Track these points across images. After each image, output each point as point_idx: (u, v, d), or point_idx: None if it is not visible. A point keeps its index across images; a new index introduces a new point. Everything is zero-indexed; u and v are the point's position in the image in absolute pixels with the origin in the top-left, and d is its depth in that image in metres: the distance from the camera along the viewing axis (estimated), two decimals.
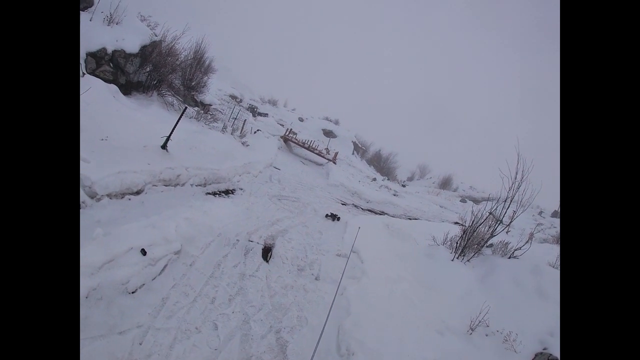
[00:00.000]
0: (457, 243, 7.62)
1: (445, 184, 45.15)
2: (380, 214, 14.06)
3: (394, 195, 21.47)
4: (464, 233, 7.63)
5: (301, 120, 40.18)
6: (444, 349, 4.67)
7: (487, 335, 5.08)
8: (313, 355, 3.54)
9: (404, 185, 33.00)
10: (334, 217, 9.61)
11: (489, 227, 7.63)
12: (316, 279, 6.18)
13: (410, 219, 14.71)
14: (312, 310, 5.28)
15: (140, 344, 3.66)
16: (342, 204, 13.65)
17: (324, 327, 4.07)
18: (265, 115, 32.01)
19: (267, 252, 6.49)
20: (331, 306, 4.81)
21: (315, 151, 23.88)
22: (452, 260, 7.23)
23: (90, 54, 8.98)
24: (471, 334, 5.09)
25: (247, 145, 14.43)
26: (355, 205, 14.51)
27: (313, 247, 7.54)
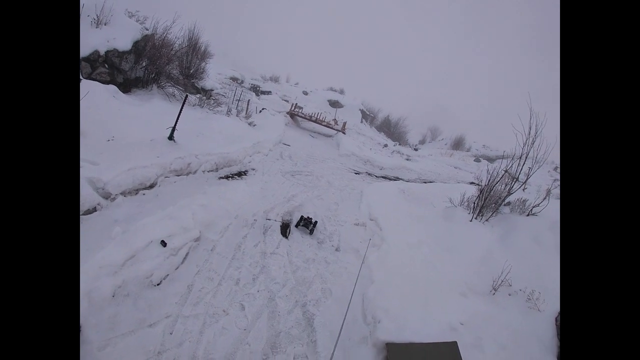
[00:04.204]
0: (474, 203, 7.56)
1: (458, 144, 44.56)
2: (395, 180, 14.01)
3: (407, 159, 21.31)
4: (480, 193, 7.55)
5: (305, 93, 39.71)
6: (468, 311, 4.68)
7: (510, 295, 5.07)
8: (341, 330, 3.60)
9: (416, 149, 32.67)
10: (307, 222, 6.88)
11: (506, 186, 7.52)
12: (336, 250, 6.26)
13: (425, 182, 14.64)
14: (335, 281, 5.36)
15: (171, 334, 3.77)
16: (356, 173, 13.63)
17: (350, 300, 4.12)
18: (269, 93, 31.76)
19: (285, 228, 6.58)
20: (356, 279, 4.86)
21: (323, 123, 23.59)
22: (471, 221, 7.18)
23: (83, 59, 8.95)
24: (494, 294, 5.09)
25: (254, 125, 14.39)
26: (369, 173, 14.47)
27: (330, 218, 7.60)
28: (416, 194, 9.78)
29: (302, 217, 6.96)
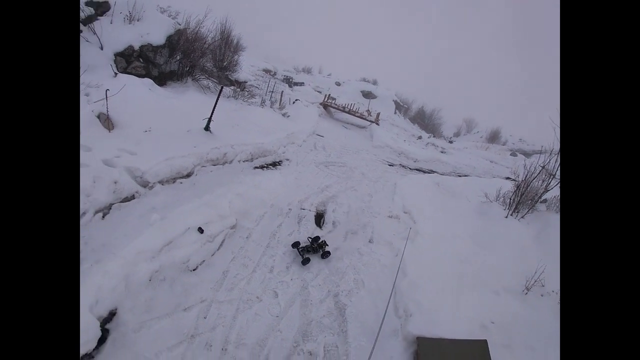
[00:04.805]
0: (510, 199, 7.30)
1: (494, 137, 43.06)
2: (429, 173, 13.70)
3: (442, 152, 20.82)
4: (517, 188, 7.28)
5: (338, 84, 39.40)
6: (499, 310, 4.56)
7: (542, 296, 4.89)
8: (380, 327, 3.58)
9: (450, 142, 31.81)
10: (312, 247, 5.48)
11: (543, 182, 7.22)
12: (370, 241, 6.21)
13: (460, 176, 14.25)
14: (368, 272, 5.34)
15: (205, 318, 3.90)
16: (389, 165, 13.45)
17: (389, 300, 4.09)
18: (302, 84, 31.74)
19: (319, 218, 6.64)
20: (397, 274, 4.82)
21: (357, 114, 23.29)
22: (506, 217, 6.96)
23: (118, 54, 9.27)
24: (526, 293, 4.92)
25: (287, 116, 14.45)
26: (403, 165, 14.24)
27: (364, 210, 7.54)
28: (451, 188, 9.52)
29: (317, 238, 5.70)
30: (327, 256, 5.41)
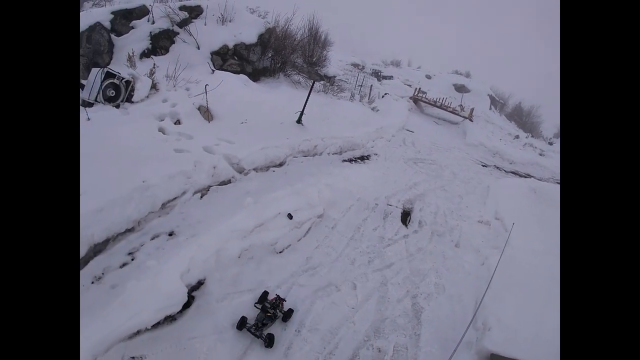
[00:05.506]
0: None
1: None
2: (526, 177, 12.72)
3: (540, 155, 19.11)
4: None
5: (428, 77, 37.70)
6: None
7: None
8: (462, 338, 3.48)
9: (550, 143, 28.76)
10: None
11: None
12: (456, 246, 6.00)
13: (559, 183, 12.99)
14: (451, 278, 5.16)
15: (284, 299, 4.07)
16: (483, 166, 12.72)
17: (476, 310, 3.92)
18: (390, 77, 31.07)
19: (405, 217, 6.56)
20: (487, 287, 4.61)
21: (449, 109, 22.07)
22: None
23: (214, 53, 10.15)
24: None
25: (376, 111, 14.37)
26: (498, 167, 13.37)
27: (453, 212, 7.27)
28: (549, 196, 8.66)
29: (265, 295, 3.98)
30: (289, 316, 3.87)
